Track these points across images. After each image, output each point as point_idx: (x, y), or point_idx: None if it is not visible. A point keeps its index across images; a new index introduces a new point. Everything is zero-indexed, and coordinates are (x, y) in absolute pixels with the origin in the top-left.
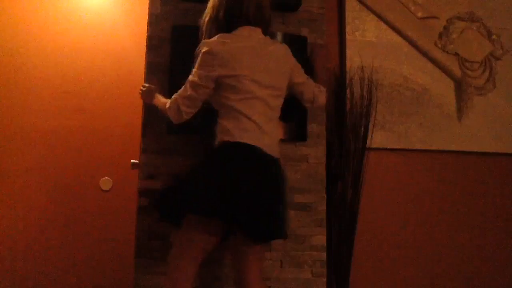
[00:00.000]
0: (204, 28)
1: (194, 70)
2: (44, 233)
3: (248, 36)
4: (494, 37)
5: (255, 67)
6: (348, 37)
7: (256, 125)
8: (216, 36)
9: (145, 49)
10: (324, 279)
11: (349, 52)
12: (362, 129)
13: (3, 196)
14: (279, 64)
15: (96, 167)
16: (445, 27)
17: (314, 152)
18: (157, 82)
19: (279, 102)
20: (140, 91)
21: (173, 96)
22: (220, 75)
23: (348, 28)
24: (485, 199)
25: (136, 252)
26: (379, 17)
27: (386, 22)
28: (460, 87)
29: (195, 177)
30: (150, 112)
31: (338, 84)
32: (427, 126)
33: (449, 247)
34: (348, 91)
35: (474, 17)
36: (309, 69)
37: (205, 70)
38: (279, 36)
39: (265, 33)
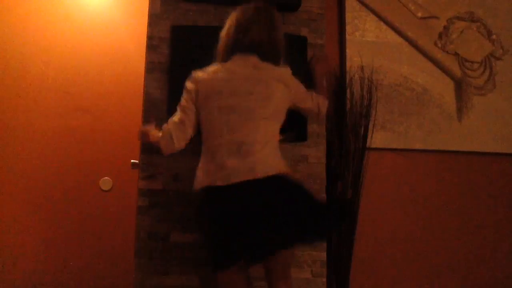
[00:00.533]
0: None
1: (181, 99)
2: (43, 233)
3: (235, 66)
4: (494, 37)
5: (235, 93)
6: (348, 37)
7: (232, 154)
8: (205, 68)
9: (145, 49)
10: (324, 279)
11: (349, 52)
12: (362, 129)
13: (3, 196)
14: (272, 88)
15: (96, 167)
16: (445, 27)
17: (314, 152)
18: (154, 118)
19: (272, 125)
20: (138, 133)
21: (163, 126)
22: (196, 106)
23: (348, 28)
24: (485, 199)
25: (136, 252)
26: (379, 17)
27: (386, 22)
28: (460, 87)
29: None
30: (150, 112)
31: (338, 84)
32: (427, 126)
33: (449, 247)
34: (348, 91)
35: (474, 17)
36: (309, 76)
37: (187, 96)
38: None
39: (267, 57)
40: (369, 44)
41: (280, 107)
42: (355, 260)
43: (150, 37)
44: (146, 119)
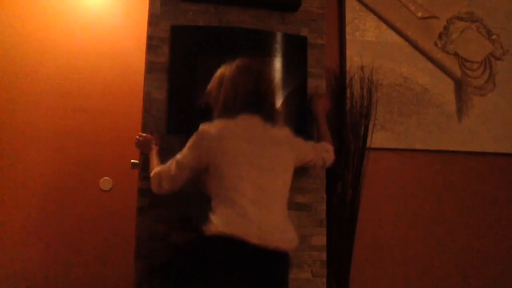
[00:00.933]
0: (210, 100)
1: (184, 150)
2: (43, 233)
3: (245, 125)
4: (494, 37)
5: (248, 154)
6: (348, 37)
7: (247, 213)
8: (214, 121)
9: (145, 49)
10: (324, 279)
11: (349, 52)
12: (362, 129)
13: (3, 196)
14: (280, 149)
15: (96, 167)
16: (445, 27)
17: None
18: (153, 131)
19: (282, 187)
20: (136, 140)
21: (157, 169)
22: (208, 162)
23: (348, 28)
24: (485, 199)
25: (136, 252)
26: (379, 17)
27: (386, 22)
28: (460, 87)
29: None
30: (150, 112)
31: (338, 84)
32: (427, 126)
33: (449, 247)
34: (348, 91)
35: (474, 17)
36: (310, 115)
37: (194, 153)
38: (279, 36)
39: (268, 118)
40: (369, 44)
41: (289, 167)
42: (355, 260)
43: (150, 37)
44: (146, 119)
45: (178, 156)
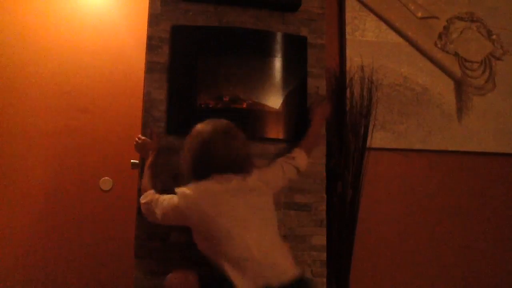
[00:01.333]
0: (183, 167)
1: (165, 207)
2: (43, 233)
3: (220, 183)
4: (494, 37)
5: (230, 210)
6: (348, 37)
7: (247, 262)
8: (190, 185)
9: (145, 49)
10: (324, 279)
11: (349, 52)
12: (362, 129)
13: (3, 196)
14: (257, 193)
15: (96, 167)
16: (445, 27)
17: (314, 152)
18: (152, 132)
19: (271, 226)
20: (135, 143)
21: (149, 198)
22: (192, 222)
23: (348, 28)
24: (485, 199)
25: (136, 252)
26: (379, 17)
27: (386, 22)
28: (460, 87)
29: None
30: (150, 112)
31: (338, 84)
32: (427, 126)
33: (449, 247)
34: (348, 91)
35: (474, 17)
36: (308, 121)
37: (177, 215)
38: (279, 36)
39: (240, 171)
40: (369, 44)
41: (271, 204)
42: (355, 260)
43: (150, 37)
44: (146, 119)
45: (163, 209)
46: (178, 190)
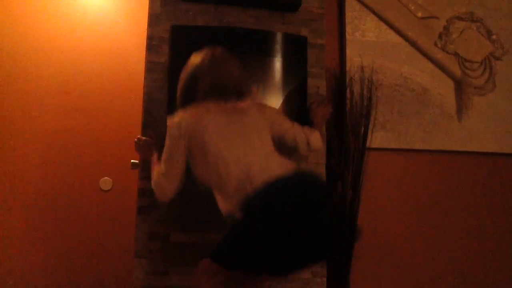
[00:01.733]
0: (178, 93)
1: (165, 148)
2: (43, 232)
3: (214, 105)
4: (494, 37)
5: (222, 132)
6: (348, 37)
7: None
8: (179, 111)
9: (145, 49)
10: (324, 279)
11: (349, 52)
12: (362, 129)
13: (3, 196)
14: (251, 118)
15: (96, 167)
16: (445, 27)
17: (314, 152)
18: (153, 134)
19: (265, 145)
20: (135, 143)
21: (153, 178)
22: (189, 148)
23: (348, 28)
24: (485, 199)
25: (136, 252)
26: (379, 17)
27: (386, 22)
28: (460, 87)
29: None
30: (150, 112)
31: (338, 84)
32: (427, 126)
33: (449, 246)
34: (348, 91)
35: (474, 17)
36: (309, 121)
37: (174, 143)
38: (279, 36)
39: (235, 95)
40: (369, 44)
41: (264, 133)
42: (355, 260)
43: (150, 37)
44: (146, 119)
45: (163, 156)
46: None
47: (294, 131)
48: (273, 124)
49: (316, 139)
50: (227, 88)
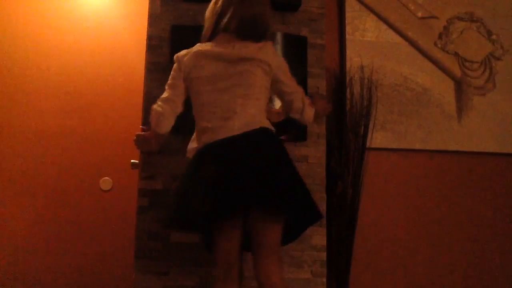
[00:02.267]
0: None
1: (169, 78)
2: (44, 233)
3: (218, 43)
4: (494, 37)
5: (216, 73)
6: (348, 37)
7: (214, 119)
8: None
9: (145, 49)
10: (324, 279)
11: (349, 52)
12: (362, 129)
13: (3, 196)
14: (251, 66)
15: (96, 167)
16: (445, 27)
17: (314, 152)
18: (147, 127)
19: (255, 102)
20: (135, 139)
21: (152, 106)
22: (184, 77)
23: (348, 28)
24: (485, 199)
25: (136, 252)
26: (379, 17)
27: (386, 22)
28: (460, 87)
29: (190, 188)
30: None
31: (338, 84)
32: (427, 126)
33: (449, 247)
34: (348, 91)
35: (474, 17)
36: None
37: (176, 73)
38: (279, 36)
39: (252, 38)
40: (369, 44)
41: (260, 84)
42: (355, 260)
43: (150, 37)
44: (146, 119)
45: (167, 83)
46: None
47: (294, 96)
48: (276, 79)
49: (310, 113)
50: (253, 26)
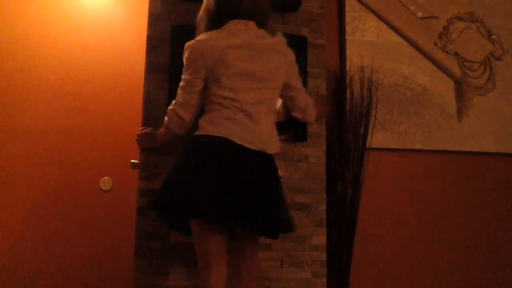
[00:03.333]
0: (197, 25)
1: (183, 74)
2: (44, 233)
3: (236, 31)
4: (494, 37)
5: (239, 62)
6: (348, 37)
7: (236, 118)
8: (201, 35)
9: (145, 49)
10: (324, 279)
11: (349, 52)
12: (362, 129)
13: (3, 196)
14: (270, 56)
15: (96, 167)
16: (445, 27)
17: (314, 152)
18: (153, 124)
19: (273, 95)
20: (137, 138)
21: (168, 109)
22: (206, 72)
23: (348, 28)
24: (485, 199)
25: (136, 252)
26: (379, 17)
27: (386, 22)
28: (460, 87)
29: (188, 177)
30: (150, 112)
31: (338, 84)
32: (427, 126)
33: (449, 246)
34: (348, 91)
35: (474, 17)
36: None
37: (191, 71)
38: None
39: (261, 24)
40: (369, 44)
41: (279, 77)
42: (355, 260)
43: (150, 37)
44: (146, 119)
45: (180, 83)
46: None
47: (299, 93)
48: (289, 75)
49: (313, 112)
50: (265, 11)
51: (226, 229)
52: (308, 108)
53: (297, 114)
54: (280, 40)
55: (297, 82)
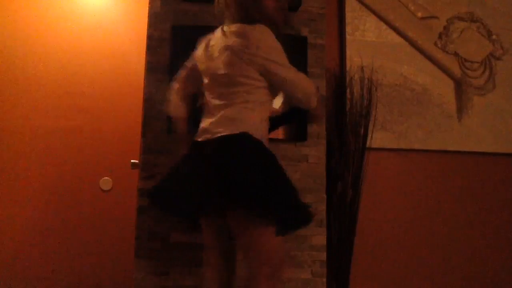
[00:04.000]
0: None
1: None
2: (44, 233)
3: (215, 33)
4: (494, 37)
5: (206, 59)
6: (348, 37)
7: (205, 117)
8: None
9: (145, 49)
10: (324, 279)
11: (349, 52)
12: (362, 129)
13: (3, 196)
14: (230, 53)
15: (96, 167)
16: (445, 27)
17: (314, 152)
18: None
19: (241, 90)
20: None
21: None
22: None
23: (348, 28)
24: (485, 199)
25: (136, 252)
26: (379, 17)
27: (386, 22)
28: (460, 87)
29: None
30: (150, 112)
31: (338, 84)
32: (427, 126)
33: (449, 247)
34: (348, 91)
35: (474, 17)
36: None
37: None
38: (278, 36)
39: (243, 20)
40: (369, 44)
41: (242, 70)
42: (355, 260)
43: (150, 37)
44: (146, 119)
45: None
46: None
47: (298, 75)
48: (265, 59)
49: (314, 98)
50: (239, 8)
51: (215, 223)
52: (313, 101)
53: (299, 104)
54: (244, 28)
55: (283, 68)
